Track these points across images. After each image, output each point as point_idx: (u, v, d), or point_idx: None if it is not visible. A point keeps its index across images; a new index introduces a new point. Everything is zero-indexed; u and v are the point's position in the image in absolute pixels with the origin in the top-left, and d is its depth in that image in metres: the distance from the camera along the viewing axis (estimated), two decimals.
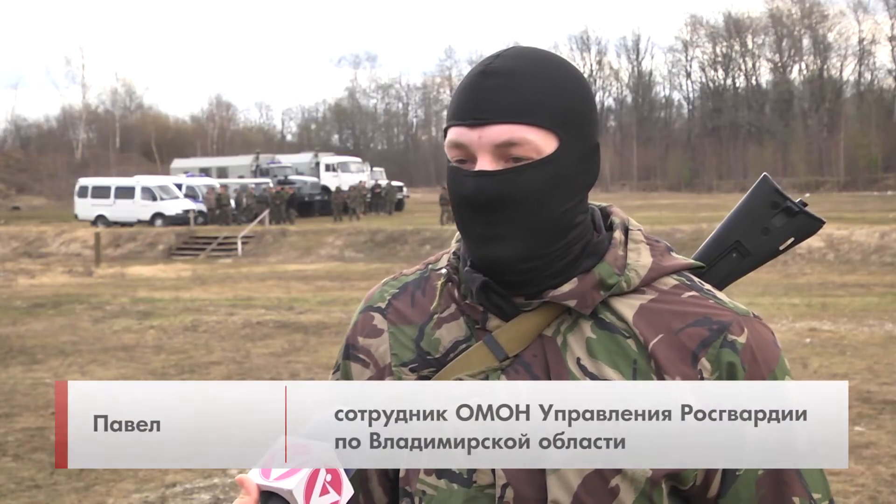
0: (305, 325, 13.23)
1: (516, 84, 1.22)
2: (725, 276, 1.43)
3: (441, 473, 1.26)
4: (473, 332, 1.29)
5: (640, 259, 1.29)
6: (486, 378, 1.25)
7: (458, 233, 1.33)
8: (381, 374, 1.35)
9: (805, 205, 1.44)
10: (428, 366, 1.31)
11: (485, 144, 1.21)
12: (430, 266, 1.41)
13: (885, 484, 6.00)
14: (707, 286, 1.31)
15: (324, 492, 1.19)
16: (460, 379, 1.25)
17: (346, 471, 1.21)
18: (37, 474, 6.55)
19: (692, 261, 1.34)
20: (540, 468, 1.21)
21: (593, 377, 1.23)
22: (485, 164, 1.22)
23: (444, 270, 1.34)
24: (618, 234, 1.31)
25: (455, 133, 1.24)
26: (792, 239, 1.44)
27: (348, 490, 1.21)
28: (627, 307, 1.26)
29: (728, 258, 1.43)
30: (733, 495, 1.24)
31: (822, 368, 9.48)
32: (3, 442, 7.38)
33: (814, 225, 1.44)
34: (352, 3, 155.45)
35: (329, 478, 1.19)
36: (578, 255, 1.27)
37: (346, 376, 1.39)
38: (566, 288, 1.25)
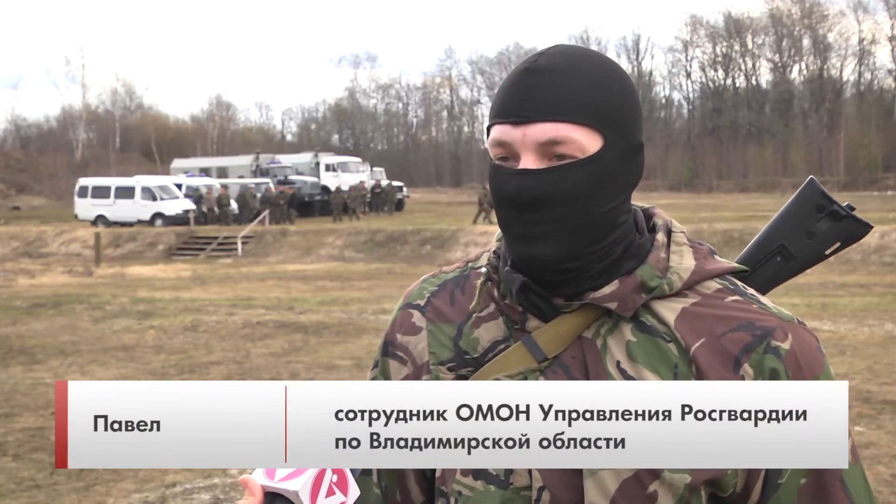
0: (305, 325, 13.23)
1: (560, 82, 1.20)
2: (769, 279, 1.40)
3: (477, 475, 1.25)
4: (512, 333, 1.28)
5: (683, 262, 1.27)
6: (525, 379, 1.24)
7: (499, 231, 1.32)
8: (418, 371, 1.34)
9: (853, 209, 1.40)
10: (466, 365, 1.30)
11: (529, 143, 1.20)
12: (469, 264, 1.40)
13: (885, 484, 6.01)
14: (750, 290, 1.29)
15: (330, 493, 1.17)
16: (498, 379, 1.24)
17: (352, 471, 1.21)
18: (37, 474, 6.55)
19: (736, 264, 1.33)
20: (577, 470, 1.19)
21: (633, 381, 1.21)
22: (528, 162, 1.20)
23: (483, 269, 1.33)
24: (660, 237, 1.29)
25: (498, 131, 1.22)
26: (838, 243, 1.40)
27: (354, 491, 1.20)
28: (669, 311, 1.24)
29: (772, 262, 1.40)
30: None
31: None
32: (3, 442, 7.38)
33: (861, 230, 1.40)
34: (352, 3, 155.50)
35: (335, 478, 1.18)
36: (620, 257, 1.25)
37: (385, 373, 1.38)
38: (607, 290, 1.23)
